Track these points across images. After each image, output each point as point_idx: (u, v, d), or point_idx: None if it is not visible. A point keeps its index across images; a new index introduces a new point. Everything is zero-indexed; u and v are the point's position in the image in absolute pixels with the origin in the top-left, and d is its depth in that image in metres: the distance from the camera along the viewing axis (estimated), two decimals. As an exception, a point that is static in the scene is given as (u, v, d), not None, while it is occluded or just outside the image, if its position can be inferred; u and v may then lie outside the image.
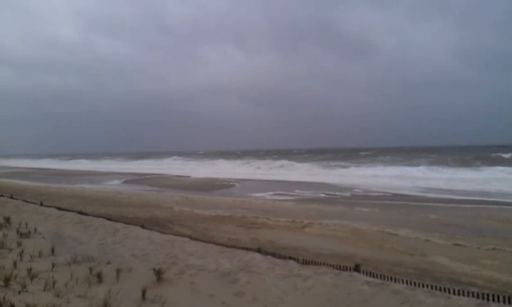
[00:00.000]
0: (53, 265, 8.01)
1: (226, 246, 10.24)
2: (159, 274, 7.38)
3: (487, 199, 25.33)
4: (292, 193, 31.34)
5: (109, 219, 14.87)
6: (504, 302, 5.92)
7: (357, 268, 7.73)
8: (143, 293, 6.34)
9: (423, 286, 6.79)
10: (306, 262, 8.50)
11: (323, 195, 30.14)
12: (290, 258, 8.81)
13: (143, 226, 13.34)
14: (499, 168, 43.73)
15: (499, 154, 62.16)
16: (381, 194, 30.21)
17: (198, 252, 9.65)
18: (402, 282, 7.00)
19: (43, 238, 11.40)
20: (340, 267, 7.97)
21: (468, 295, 6.26)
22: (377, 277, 7.36)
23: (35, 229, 12.24)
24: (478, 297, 6.16)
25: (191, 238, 11.48)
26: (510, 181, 32.97)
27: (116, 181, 46.48)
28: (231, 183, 41.95)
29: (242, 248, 9.93)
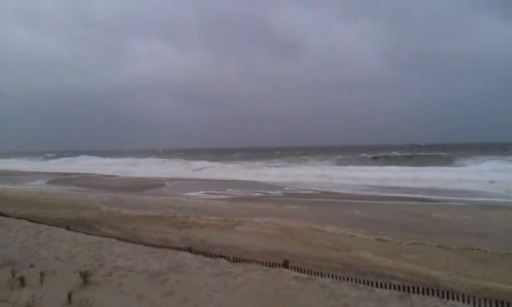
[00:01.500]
0: (-30, 271, 7.55)
1: (156, 246, 10.12)
2: (85, 276, 7.16)
3: (405, 195, 26.68)
4: (223, 192, 31.38)
5: (31, 221, 14.19)
6: (424, 293, 6.28)
7: (286, 264, 7.91)
8: (69, 296, 6.14)
9: (348, 279, 7.07)
10: (236, 260, 8.58)
11: (254, 193, 30.44)
12: (221, 256, 8.85)
13: (68, 228, 12.85)
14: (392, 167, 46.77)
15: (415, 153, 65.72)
16: (310, 192, 30.95)
17: (127, 253, 9.45)
18: (328, 276, 7.25)
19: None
20: (269, 263, 8.11)
21: (391, 288, 6.59)
22: (304, 272, 7.57)
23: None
24: (399, 289, 6.49)
25: (119, 239, 11.22)
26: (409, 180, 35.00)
27: (39, 181, 44.29)
28: (161, 183, 41.28)
29: (173, 248, 9.85)
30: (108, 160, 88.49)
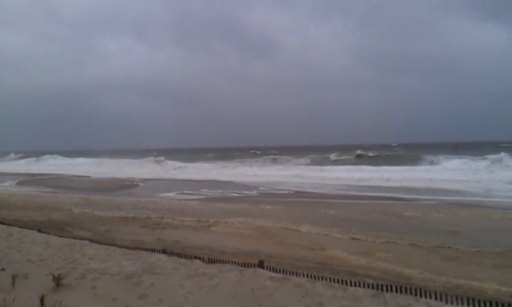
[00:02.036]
0: None
1: (130, 248, 10.01)
2: (58, 279, 7.03)
3: (377, 194, 27.06)
4: (198, 192, 31.24)
5: (1, 223, 13.88)
6: (397, 291, 6.37)
7: (261, 264, 7.92)
8: (41, 299, 6.01)
9: (322, 279, 7.12)
10: (211, 261, 8.55)
11: (229, 194, 30.40)
12: (196, 257, 8.81)
13: (39, 230, 12.59)
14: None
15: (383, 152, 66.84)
16: (285, 192, 31.09)
17: (100, 255, 9.32)
18: (303, 276, 7.29)
19: None
20: (244, 263, 8.12)
21: (364, 286, 6.66)
22: (279, 272, 7.60)
23: None
24: (373, 287, 6.56)
25: (91, 241, 11.06)
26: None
27: (8, 183, 43.23)
28: (135, 183, 40.83)
29: (147, 249, 9.75)
30: (79, 160, 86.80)
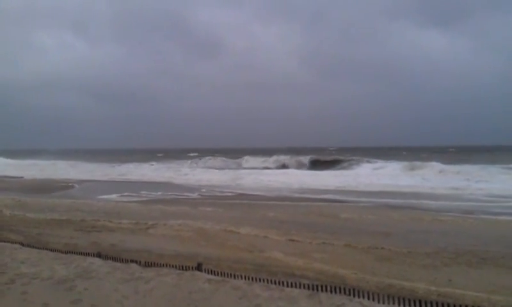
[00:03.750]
0: None
1: (63, 252, 9.64)
2: (-17, 285, 6.67)
3: (314, 196, 27.70)
4: (137, 194, 30.61)
5: None
6: (331, 292, 6.53)
7: (199, 267, 7.89)
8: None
9: (260, 280, 7.18)
10: (148, 264, 8.41)
11: (170, 195, 30.04)
12: (132, 260, 8.63)
13: (-37, 234, 11.90)
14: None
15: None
16: (226, 194, 31.13)
17: (31, 259, 8.92)
18: (241, 278, 7.33)
19: None
20: (182, 266, 8.05)
21: (300, 287, 6.78)
22: (218, 274, 7.59)
23: None
24: (309, 288, 6.69)
25: (22, 244, 10.54)
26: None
27: None
28: (70, 185, 39.37)
29: (81, 253, 9.44)
30: (10, 161, 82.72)
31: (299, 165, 59.88)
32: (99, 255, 9.12)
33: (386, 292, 7.13)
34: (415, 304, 5.95)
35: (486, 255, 11.44)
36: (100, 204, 23.82)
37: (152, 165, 69.82)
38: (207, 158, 78.42)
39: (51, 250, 9.86)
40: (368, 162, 55.65)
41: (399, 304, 6.07)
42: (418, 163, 48.11)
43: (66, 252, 9.53)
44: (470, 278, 9.49)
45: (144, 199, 27.89)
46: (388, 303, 6.14)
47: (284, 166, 60.47)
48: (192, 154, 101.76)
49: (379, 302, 6.17)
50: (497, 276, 9.63)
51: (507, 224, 16.92)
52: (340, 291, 6.50)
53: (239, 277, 7.36)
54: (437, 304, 5.84)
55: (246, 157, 73.80)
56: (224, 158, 75.65)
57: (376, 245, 12.64)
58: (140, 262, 8.51)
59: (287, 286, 6.87)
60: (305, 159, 64.67)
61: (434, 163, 46.10)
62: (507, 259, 10.97)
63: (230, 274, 7.55)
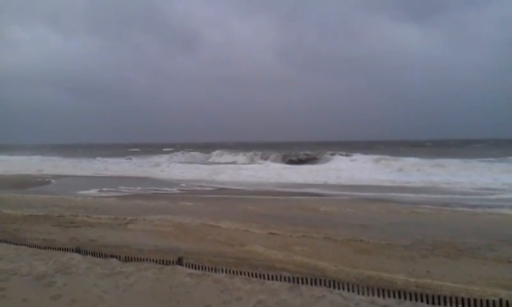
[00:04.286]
0: None
1: (41, 248, 9.51)
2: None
3: (294, 190, 27.86)
4: (116, 189, 30.31)
5: None
6: (312, 284, 6.59)
7: (180, 262, 7.86)
8: None
9: (241, 274, 7.21)
10: (128, 259, 8.35)
11: (149, 190, 29.84)
12: (112, 256, 8.56)
13: None
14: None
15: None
16: (206, 188, 31.08)
17: (9, 255, 8.78)
18: (222, 271, 7.34)
19: None
20: (163, 261, 8.01)
21: (281, 280, 6.83)
22: (199, 268, 7.59)
23: None
24: (289, 280, 6.75)
25: (-1, 241, 10.39)
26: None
27: None
28: (47, 180, 38.75)
29: (59, 249, 9.32)
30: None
31: (277, 160, 60.03)
32: (78, 250, 9.02)
33: (366, 284, 7.22)
34: (393, 295, 6.04)
35: (463, 247, 11.68)
36: (78, 199, 23.51)
37: (130, 159, 69.39)
38: (181, 152, 78.23)
39: (29, 246, 9.73)
40: (346, 156, 56.18)
41: (378, 295, 6.15)
42: (395, 157, 48.70)
43: (44, 248, 9.42)
44: (448, 269, 9.68)
45: (123, 194, 27.63)
46: (368, 294, 6.21)
47: (260, 160, 60.57)
48: (166, 149, 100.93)
49: (358, 293, 6.25)
50: (474, 267, 9.84)
51: (483, 216, 17.25)
52: (320, 283, 6.56)
53: (220, 271, 7.37)
54: (415, 294, 5.94)
55: (217, 151, 73.80)
56: (197, 153, 75.52)
57: (355, 237, 12.77)
58: (120, 257, 8.45)
59: (268, 279, 6.91)
60: (283, 153, 64.84)
61: (411, 158, 46.85)
62: (483, 251, 11.22)
63: (211, 268, 7.56)
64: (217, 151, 73.99)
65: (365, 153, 59.34)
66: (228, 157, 69.22)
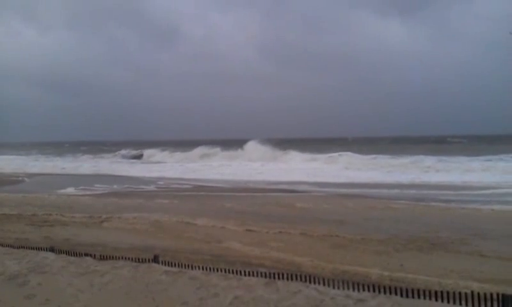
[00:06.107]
0: None
1: (14, 247, 9.33)
2: None
3: (270, 187, 27.99)
4: (90, 187, 29.89)
5: None
6: (288, 279, 6.63)
7: (156, 259, 7.81)
8: None
9: (217, 270, 7.20)
10: (103, 258, 8.26)
11: (125, 188, 29.56)
12: (86, 254, 8.45)
13: None
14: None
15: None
16: (182, 186, 30.92)
17: (-20, 256, 8.60)
18: (199, 268, 7.33)
19: None
20: (139, 259, 7.95)
21: (258, 275, 6.85)
22: (175, 266, 7.56)
23: None
24: (266, 276, 6.77)
25: (-31, 241, 10.16)
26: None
27: None
28: (20, 179, 37.98)
29: (33, 248, 9.15)
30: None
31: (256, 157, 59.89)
32: (52, 249, 8.88)
33: (341, 278, 7.29)
34: (368, 289, 6.11)
35: (436, 241, 11.92)
36: (51, 198, 23.14)
37: (102, 157, 68.59)
38: (161, 149, 77.58)
39: (1, 245, 9.54)
40: (325, 153, 56.37)
41: (353, 289, 6.22)
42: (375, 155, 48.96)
43: (17, 247, 9.24)
44: (421, 263, 9.87)
45: (98, 192, 27.30)
46: (343, 288, 6.28)
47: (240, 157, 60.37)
48: (147, 149, 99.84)
49: (334, 287, 6.31)
50: (447, 261, 10.06)
51: (456, 211, 17.60)
52: (296, 279, 6.60)
53: (197, 268, 7.35)
54: (390, 288, 6.02)
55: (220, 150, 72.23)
56: (179, 152, 75.00)
57: (331, 233, 12.90)
58: (95, 255, 8.35)
59: (245, 275, 6.92)
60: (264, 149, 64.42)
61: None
62: (456, 245, 11.47)
63: (187, 265, 7.53)
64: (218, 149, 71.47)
65: (347, 149, 59.10)
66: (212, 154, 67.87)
